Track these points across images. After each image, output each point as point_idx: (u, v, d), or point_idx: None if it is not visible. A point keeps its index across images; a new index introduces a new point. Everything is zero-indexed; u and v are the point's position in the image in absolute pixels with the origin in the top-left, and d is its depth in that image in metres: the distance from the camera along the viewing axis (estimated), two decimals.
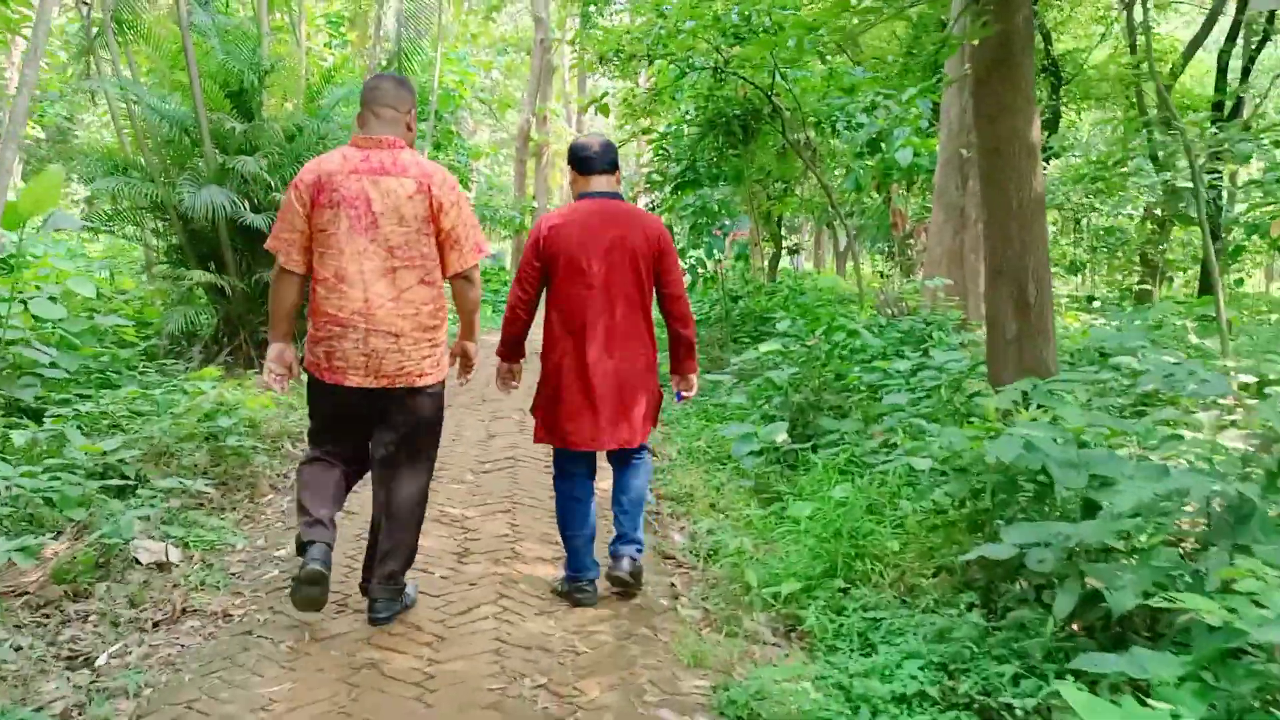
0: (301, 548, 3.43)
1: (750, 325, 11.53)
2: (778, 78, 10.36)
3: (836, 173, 16.41)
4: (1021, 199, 5.43)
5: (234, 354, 8.87)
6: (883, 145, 11.40)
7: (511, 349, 3.98)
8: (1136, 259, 16.01)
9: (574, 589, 3.89)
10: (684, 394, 4.13)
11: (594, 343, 3.71)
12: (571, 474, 3.90)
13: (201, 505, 4.98)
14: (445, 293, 3.61)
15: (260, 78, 8.85)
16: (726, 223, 9.59)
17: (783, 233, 16.63)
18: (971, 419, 5.18)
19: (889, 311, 11.35)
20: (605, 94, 10.54)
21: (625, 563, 3.83)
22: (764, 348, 7.51)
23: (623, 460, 3.93)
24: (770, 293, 13.44)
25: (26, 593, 3.72)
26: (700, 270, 9.87)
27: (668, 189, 12.34)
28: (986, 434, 3.71)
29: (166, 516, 4.61)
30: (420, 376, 3.47)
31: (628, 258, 3.72)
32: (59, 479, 4.12)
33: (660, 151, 11.68)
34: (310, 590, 3.35)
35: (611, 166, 3.87)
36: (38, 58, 4.48)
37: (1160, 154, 11.52)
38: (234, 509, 5.09)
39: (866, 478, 4.63)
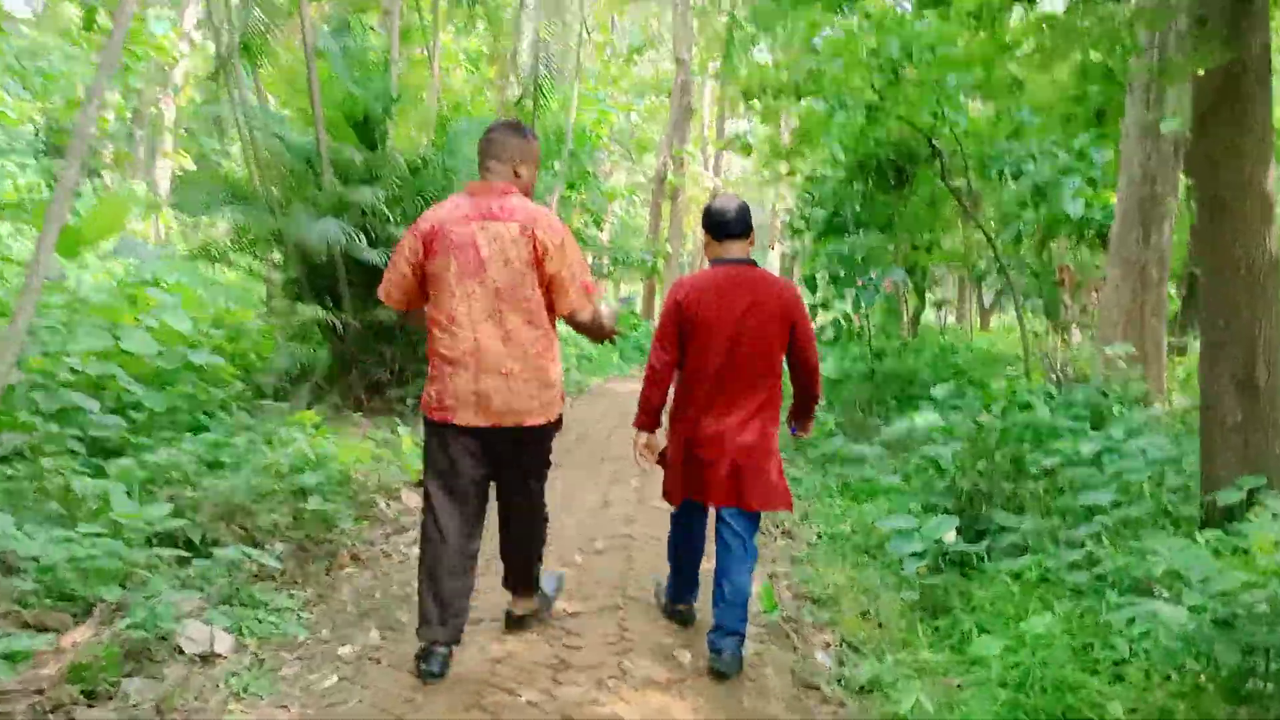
0: (425, 653, 3.49)
1: (895, 386, 10.51)
2: (940, 117, 9.45)
3: (992, 223, 15.28)
4: (1252, 260, 4.45)
5: (344, 395, 8.39)
6: (1047, 195, 10.34)
7: (651, 416, 3.91)
8: None
9: (673, 609, 4.17)
10: (799, 431, 4.23)
11: (727, 407, 3.75)
12: (688, 523, 4.03)
13: (272, 577, 4.35)
14: (557, 334, 3.68)
15: (386, 107, 8.44)
16: (874, 274, 8.68)
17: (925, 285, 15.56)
18: (1195, 529, 4.14)
19: (1053, 377, 10.19)
20: (746, 132, 9.79)
21: (726, 655, 3.67)
22: (920, 418, 6.56)
23: (732, 535, 3.77)
24: (916, 351, 12.37)
25: (40, 691, 3.11)
26: (845, 324, 8.97)
27: (810, 236, 11.49)
28: (1263, 575, 2.73)
29: (226, 592, 3.98)
30: (529, 416, 3.53)
31: (763, 324, 3.73)
32: (97, 546, 3.53)
33: (805, 195, 10.85)
34: (431, 680, 3.46)
35: (747, 231, 3.88)
36: (110, 69, 4.00)
37: None
38: (306, 583, 4.44)
39: (1070, 603, 3.66)
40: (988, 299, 22.33)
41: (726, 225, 3.83)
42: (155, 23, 16.96)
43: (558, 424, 3.70)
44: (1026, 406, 5.70)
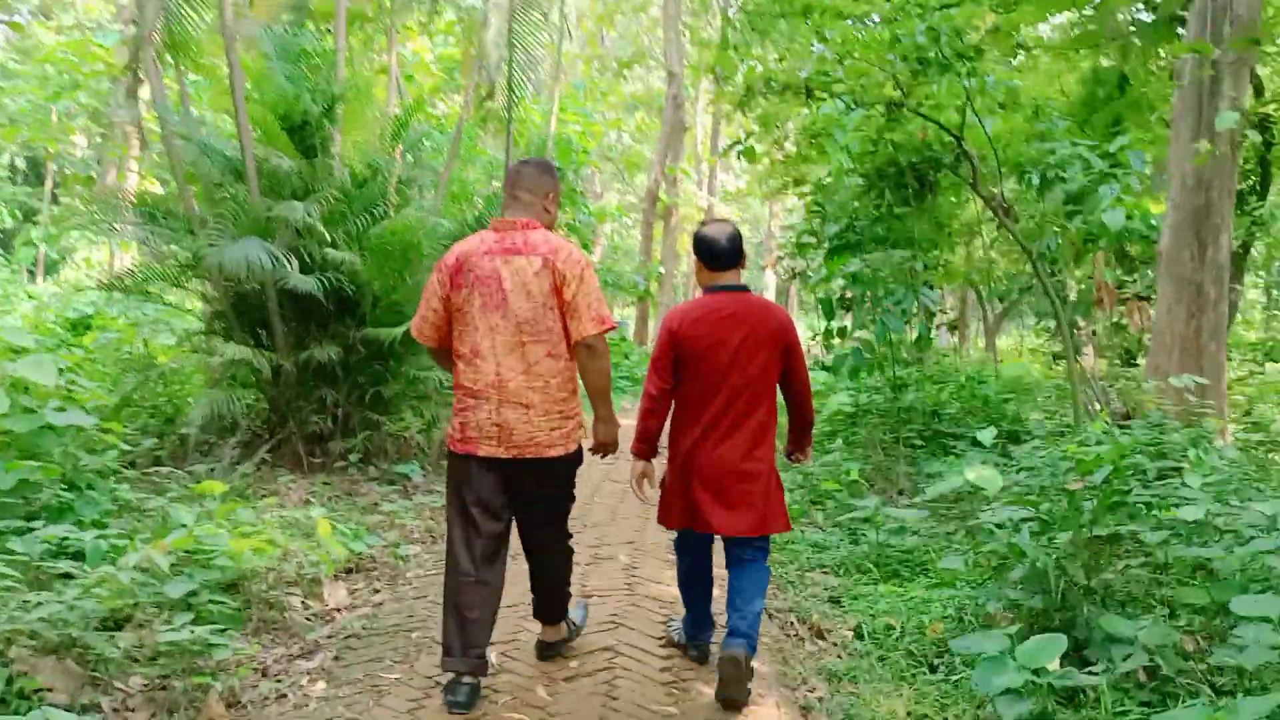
0: (451, 685, 3.50)
1: (918, 423, 9.21)
2: (970, 117, 8.22)
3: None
4: None
5: (277, 450, 7.08)
6: (1082, 205, 9.11)
7: (648, 444, 3.95)
8: None
9: (691, 644, 4.11)
10: (797, 457, 4.19)
11: (723, 434, 3.78)
12: (694, 551, 4.02)
13: None
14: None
15: (328, 108, 7.18)
16: (903, 296, 7.41)
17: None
18: None
19: (1095, 408, 8.93)
20: (751, 133, 8.53)
21: (738, 648, 3.63)
22: (971, 473, 5.26)
23: (739, 559, 3.86)
24: (936, 381, 11.06)
25: None
26: (868, 353, 7.70)
27: (817, 256, 10.21)
28: None
29: None
30: (550, 448, 3.56)
31: (757, 351, 3.78)
32: None
33: (814, 208, 9.58)
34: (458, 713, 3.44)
35: (738, 258, 3.89)
36: None
37: None
38: None
39: None
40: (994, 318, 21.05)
41: (718, 257, 3.85)
42: (103, 34, 15.70)
43: (579, 455, 3.71)
44: (1121, 471, 4.38)
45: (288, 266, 6.39)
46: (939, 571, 5.15)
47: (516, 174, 3.68)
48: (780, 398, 3.93)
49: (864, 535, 5.85)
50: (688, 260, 28.67)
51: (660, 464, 3.95)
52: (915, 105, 8.15)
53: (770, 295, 43.04)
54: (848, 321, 8.93)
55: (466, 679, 3.49)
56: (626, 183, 38.44)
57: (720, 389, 3.74)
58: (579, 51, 29.95)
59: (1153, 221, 9.27)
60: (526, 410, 3.49)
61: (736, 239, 3.87)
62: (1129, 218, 9.19)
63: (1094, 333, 16.85)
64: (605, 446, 3.77)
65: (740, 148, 7.80)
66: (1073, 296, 12.19)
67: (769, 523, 3.80)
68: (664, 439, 3.95)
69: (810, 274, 18.32)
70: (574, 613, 4.17)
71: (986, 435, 6.31)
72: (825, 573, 5.56)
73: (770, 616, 4.69)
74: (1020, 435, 7.39)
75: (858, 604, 4.83)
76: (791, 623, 4.60)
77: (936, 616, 4.39)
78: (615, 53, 30.61)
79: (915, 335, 8.01)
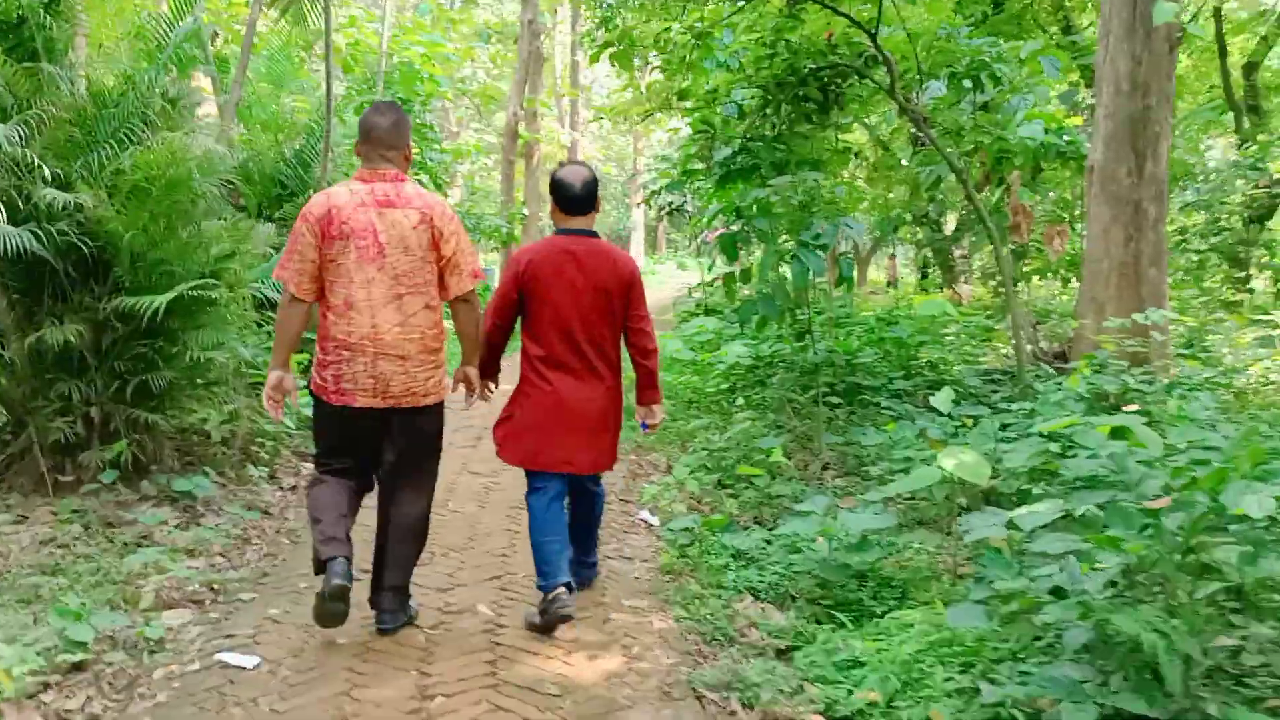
0: (321, 565, 3.54)
1: (832, 374, 7.89)
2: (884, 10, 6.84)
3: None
4: None
5: (11, 467, 5.23)
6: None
7: (487, 368, 4.10)
8: None
9: (549, 602, 3.80)
10: (649, 423, 4.25)
11: (566, 373, 3.91)
12: (544, 490, 3.98)
13: None
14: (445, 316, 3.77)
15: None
16: (820, 229, 5.97)
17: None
18: None
19: (1026, 348, 7.83)
20: (631, 27, 6.85)
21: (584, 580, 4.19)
22: (953, 464, 3.93)
23: (580, 491, 4.16)
24: (840, 325, 9.77)
25: None
26: (780, 304, 6.27)
27: (709, 183, 8.70)
28: None
29: None
30: (424, 396, 3.66)
31: (600, 294, 3.89)
32: None
33: (700, 127, 8.03)
34: (335, 606, 3.49)
35: (592, 204, 4.00)
36: None
37: None
38: None
39: None
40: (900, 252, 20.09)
41: (571, 201, 3.96)
42: None
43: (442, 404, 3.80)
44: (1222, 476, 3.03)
45: None
46: (918, 599, 3.79)
47: (374, 125, 3.64)
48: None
49: (803, 544, 4.43)
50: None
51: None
52: None
53: (639, 235, 41.57)
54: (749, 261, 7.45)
55: (341, 560, 3.50)
56: (484, 120, 36.06)
57: (566, 330, 3.88)
58: None
59: (1068, 137, 8.13)
60: (403, 361, 3.57)
61: (592, 184, 3.99)
62: (1048, 132, 8.01)
63: (1030, 254, 15.73)
64: (471, 385, 3.97)
65: (612, 50, 6.17)
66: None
67: (604, 461, 4.06)
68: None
69: (689, 209, 16.87)
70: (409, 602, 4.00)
71: (943, 398, 4.93)
72: (759, 601, 4.13)
73: (699, 699, 3.24)
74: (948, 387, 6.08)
75: (818, 664, 3.39)
76: (733, 711, 3.14)
77: (941, 693, 2.99)
78: None
79: (837, 275, 6.61)
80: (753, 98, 7.63)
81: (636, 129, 31.93)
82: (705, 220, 9.64)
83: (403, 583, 3.80)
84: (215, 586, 4.22)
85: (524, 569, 4.51)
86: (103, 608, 3.76)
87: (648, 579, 4.52)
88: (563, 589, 3.76)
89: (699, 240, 17.94)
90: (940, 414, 5.90)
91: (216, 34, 10.39)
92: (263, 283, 6.26)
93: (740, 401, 8.53)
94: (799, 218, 6.26)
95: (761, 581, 4.30)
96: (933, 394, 7.89)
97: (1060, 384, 5.87)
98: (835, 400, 7.50)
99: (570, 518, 4.08)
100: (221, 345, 5.51)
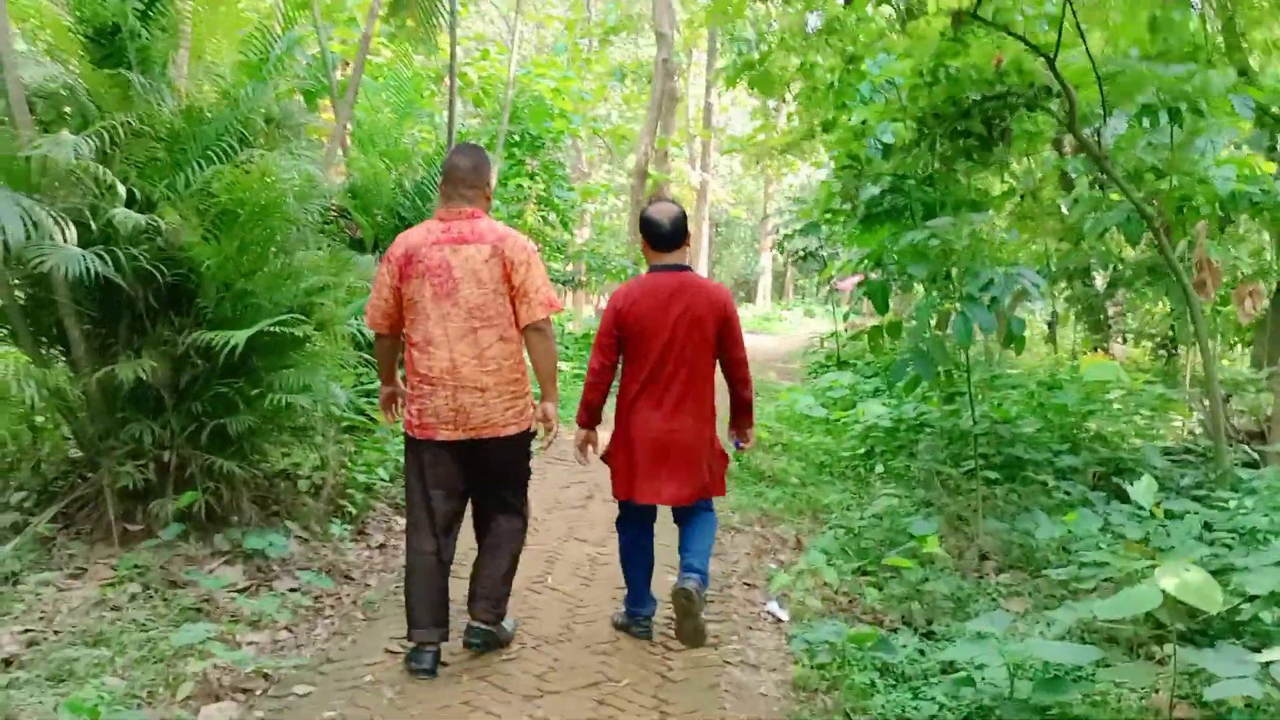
0: (415, 654, 3.69)
1: (990, 445, 6.93)
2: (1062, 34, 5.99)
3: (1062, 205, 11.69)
4: None
5: (81, 511, 4.80)
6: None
7: (591, 414, 4.17)
8: None
9: (632, 622, 4.21)
10: (742, 444, 4.34)
11: (665, 407, 3.98)
12: (636, 523, 4.17)
13: None
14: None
15: (148, 6, 4.87)
16: (992, 278, 5.10)
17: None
18: None
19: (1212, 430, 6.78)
20: (770, 52, 6.15)
21: (691, 582, 3.91)
22: (1173, 584, 3.03)
23: (687, 518, 4.15)
24: (993, 388, 8.74)
25: None
26: (937, 362, 5.41)
27: (851, 225, 7.90)
28: None
29: None
30: (504, 427, 3.73)
31: (696, 328, 3.96)
32: None
33: (845, 162, 7.26)
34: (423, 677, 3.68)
35: (681, 239, 4.09)
36: None
37: None
38: None
39: None
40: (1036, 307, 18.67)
41: (662, 239, 4.04)
42: None
43: (532, 434, 3.87)
44: None
45: (56, 236, 4.08)
46: None
47: (455, 166, 3.74)
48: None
49: (971, 669, 3.57)
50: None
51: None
52: (993, 10, 5.86)
53: (766, 280, 40.58)
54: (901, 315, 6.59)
55: (430, 647, 3.69)
56: (616, 162, 35.89)
57: (662, 364, 3.96)
58: (560, 15, 27.62)
59: (1264, 186, 7.02)
60: (482, 394, 3.66)
61: (680, 220, 4.07)
62: (1239, 178, 6.95)
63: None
64: (549, 424, 3.87)
65: (752, 73, 5.47)
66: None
67: (710, 490, 4.11)
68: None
69: (823, 253, 15.99)
70: (506, 622, 4.06)
71: (1144, 489, 4.02)
72: None
73: None
74: (1148, 476, 5.07)
75: None
76: None
77: None
78: (601, 19, 28.20)
79: (1005, 332, 5.70)
80: (906, 131, 6.82)
81: (768, 172, 31.15)
82: (844, 265, 8.80)
83: (497, 594, 3.88)
84: (269, 674, 3.63)
85: (629, 674, 3.79)
86: (130, 700, 3.19)
87: (777, 696, 3.73)
88: (645, 619, 4.19)
89: (829, 286, 17.04)
90: (1127, 503, 4.99)
91: (346, 63, 10.18)
92: (358, 318, 5.75)
93: (879, 469, 7.64)
94: (967, 266, 5.40)
95: (918, 712, 3.46)
96: (1102, 471, 6.86)
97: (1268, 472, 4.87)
98: (992, 475, 6.55)
99: (681, 540, 4.15)
100: (308, 389, 4.98)
